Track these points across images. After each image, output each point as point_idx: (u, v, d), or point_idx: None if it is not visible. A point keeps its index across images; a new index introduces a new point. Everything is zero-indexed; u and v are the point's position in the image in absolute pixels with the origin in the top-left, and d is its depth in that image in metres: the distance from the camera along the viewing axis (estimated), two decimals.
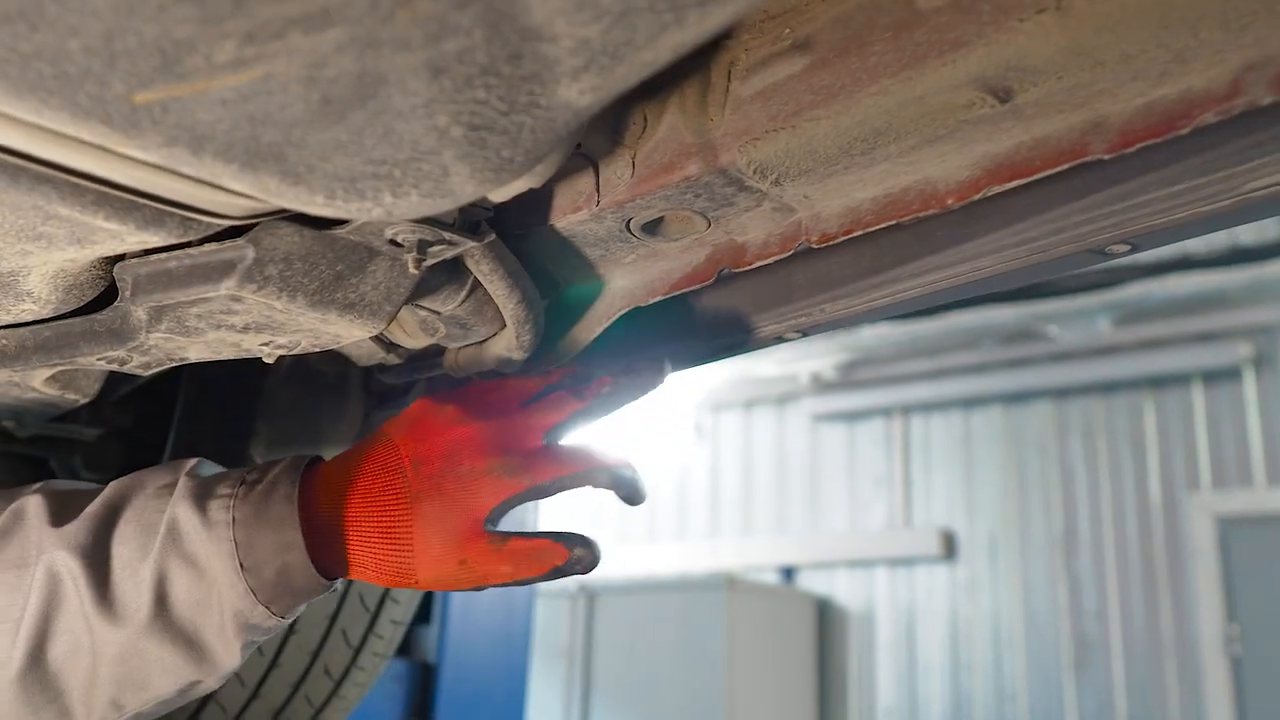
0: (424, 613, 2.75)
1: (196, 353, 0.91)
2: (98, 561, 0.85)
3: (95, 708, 0.86)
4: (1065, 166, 0.68)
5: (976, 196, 0.72)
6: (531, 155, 0.59)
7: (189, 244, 0.79)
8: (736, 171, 0.76)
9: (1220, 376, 5.77)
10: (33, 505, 0.89)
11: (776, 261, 0.85)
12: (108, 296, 0.87)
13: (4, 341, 0.92)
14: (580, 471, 0.87)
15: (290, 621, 0.89)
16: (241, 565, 0.83)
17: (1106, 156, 0.65)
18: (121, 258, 0.83)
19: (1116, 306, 5.84)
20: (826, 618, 6.52)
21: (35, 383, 1.00)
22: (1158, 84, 0.62)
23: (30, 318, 0.87)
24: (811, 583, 6.65)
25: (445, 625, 2.78)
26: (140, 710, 0.88)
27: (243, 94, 0.55)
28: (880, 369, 6.75)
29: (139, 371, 0.95)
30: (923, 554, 6.33)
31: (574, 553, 0.85)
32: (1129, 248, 0.75)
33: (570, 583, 6.08)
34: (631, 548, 7.26)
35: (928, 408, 6.64)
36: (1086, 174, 0.72)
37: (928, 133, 0.69)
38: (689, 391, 7.20)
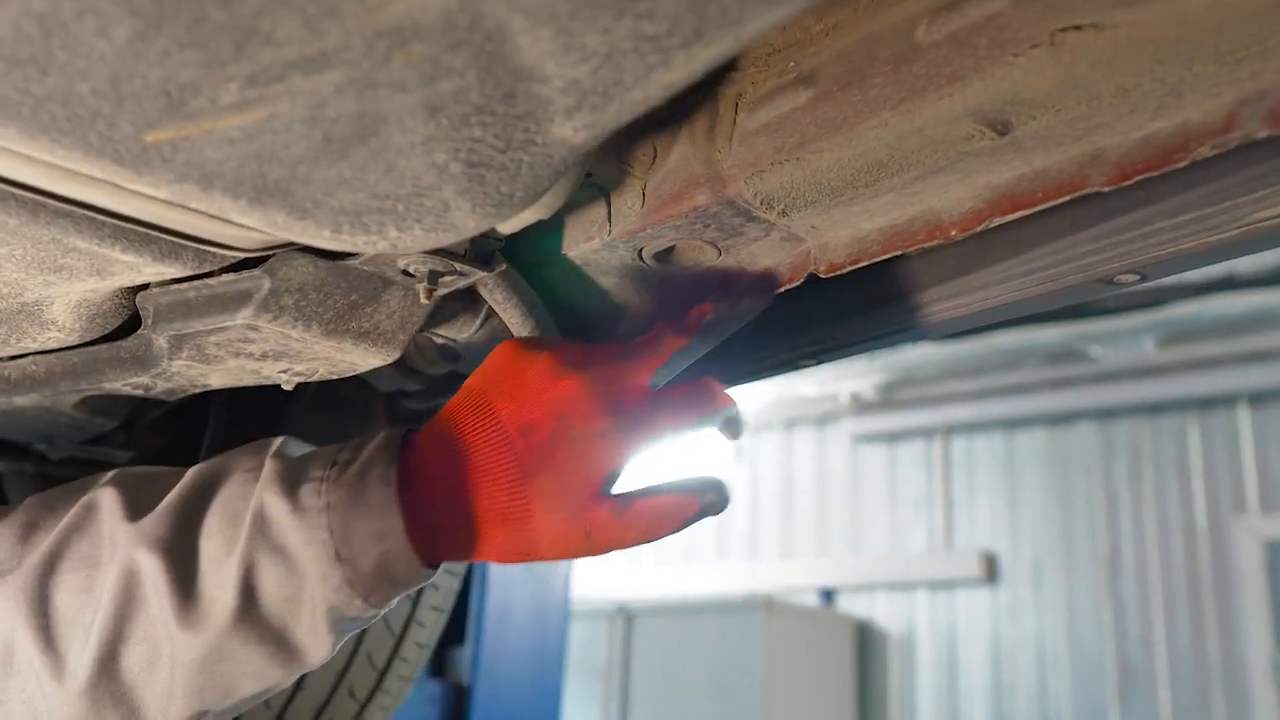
0: (457, 634, 2.74)
1: (218, 379, 0.93)
2: (181, 558, 0.78)
3: (172, 718, 0.80)
4: (1066, 198, 0.68)
5: (980, 228, 0.72)
6: (531, 190, 0.61)
7: (207, 274, 0.81)
8: (744, 202, 0.77)
9: (1267, 398, 5.67)
10: (106, 498, 0.83)
11: (787, 290, 0.86)
12: (133, 324, 0.89)
13: (33, 368, 0.95)
14: (696, 421, 0.82)
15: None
16: (337, 555, 0.77)
17: (1105, 189, 0.65)
18: (145, 287, 0.86)
19: (1161, 326, 5.75)
20: (867, 641, 6.46)
21: (65, 407, 1.02)
22: (1154, 117, 0.62)
23: (56, 345, 0.90)
24: (851, 605, 6.60)
25: (479, 646, 2.77)
26: (220, 711, 0.82)
27: (248, 133, 0.56)
28: (921, 389, 6.69)
29: (164, 397, 0.97)
30: (964, 576, 6.26)
31: (705, 500, 0.80)
32: (1138, 277, 0.75)
33: (608, 604, 6.07)
34: (669, 569, 7.25)
35: (970, 429, 6.58)
36: (1092, 205, 0.72)
37: (929, 164, 0.69)
38: None
